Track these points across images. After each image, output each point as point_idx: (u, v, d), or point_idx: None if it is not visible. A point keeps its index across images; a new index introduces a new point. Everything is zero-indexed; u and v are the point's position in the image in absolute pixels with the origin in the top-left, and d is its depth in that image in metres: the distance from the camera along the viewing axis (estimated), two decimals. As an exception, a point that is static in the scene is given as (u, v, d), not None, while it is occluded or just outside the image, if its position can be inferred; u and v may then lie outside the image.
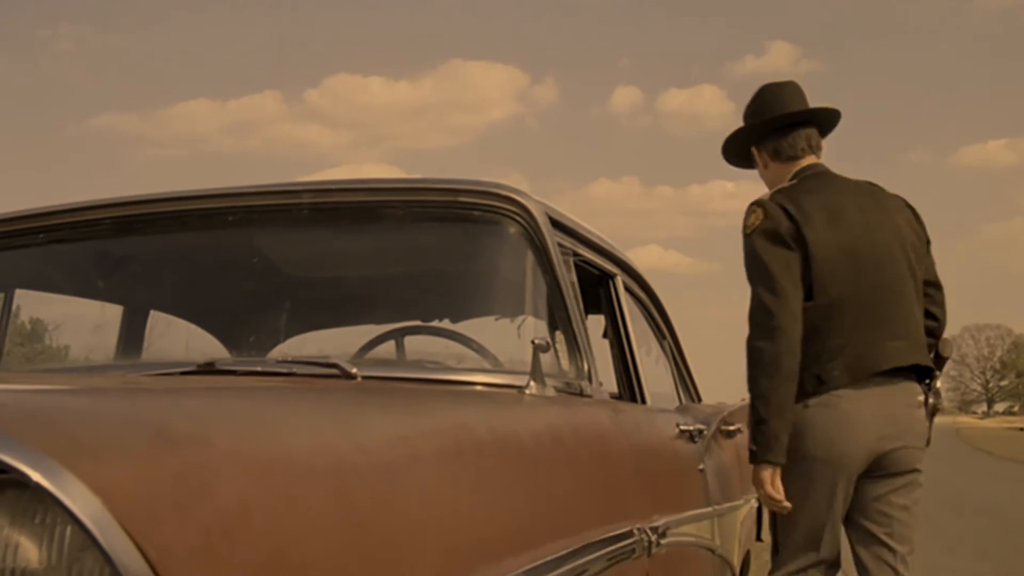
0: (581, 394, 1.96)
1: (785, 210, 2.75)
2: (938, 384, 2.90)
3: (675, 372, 3.38)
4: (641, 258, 2.99)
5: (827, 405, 2.71)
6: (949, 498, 12.21)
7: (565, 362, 2.01)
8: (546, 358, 1.84)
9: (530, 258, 2.03)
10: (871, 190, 2.96)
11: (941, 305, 3.00)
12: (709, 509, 2.73)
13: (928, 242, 2.98)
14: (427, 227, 2.10)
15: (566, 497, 1.60)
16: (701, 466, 2.71)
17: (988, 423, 67.67)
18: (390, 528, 1.00)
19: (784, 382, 2.66)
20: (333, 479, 0.95)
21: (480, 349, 2.04)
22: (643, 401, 2.56)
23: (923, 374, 2.85)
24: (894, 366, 2.74)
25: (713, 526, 2.78)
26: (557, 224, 2.17)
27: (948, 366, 3.23)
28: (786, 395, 2.66)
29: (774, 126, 2.95)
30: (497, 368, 1.93)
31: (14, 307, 2.34)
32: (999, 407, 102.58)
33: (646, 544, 1.88)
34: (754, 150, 3.03)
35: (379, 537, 0.98)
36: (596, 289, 2.66)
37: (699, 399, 3.64)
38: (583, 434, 1.81)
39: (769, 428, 2.67)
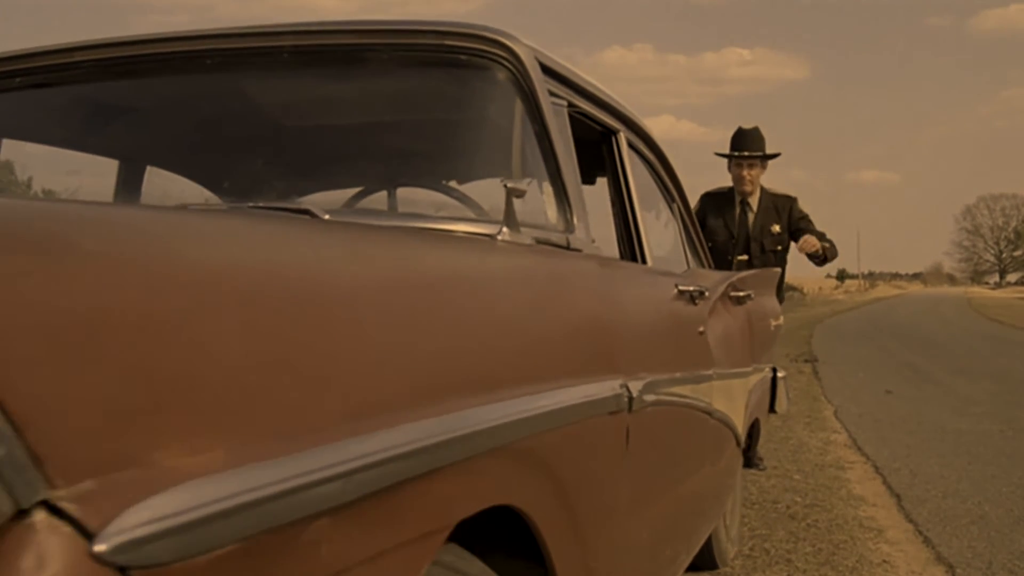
0: (568, 247, 1.89)
1: None
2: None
3: (684, 236, 3.29)
4: (654, 128, 2.97)
5: None
6: (958, 363, 12.35)
7: (552, 214, 1.94)
8: (530, 209, 1.77)
9: (518, 105, 1.94)
10: None
11: None
12: (709, 372, 2.68)
13: None
14: (411, 72, 2.01)
15: (536, 344, 1.54)
16: (701, 329, 2.65)
17: (999, 293, 66.90)
18: (333, 355, 0.94)
19: None
20: (275, 301, 0.88)
21: (462, 197, 1.97)
22: (644, 263, 2.49)
23: None
24: None
25: (713, 389, 2.74)
26: (550, 71, 2.07)
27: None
28: None
29: None
30: (471, 217, 1.86)
31: None
32: (1011, 277, 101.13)
33: (626, 399, 1.83)
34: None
35: (316, 362, 0.91)
36: (598, 147, 2.56)
37: (710, 265, 3.56)
38: (559, 284, 1.74)
39: None
